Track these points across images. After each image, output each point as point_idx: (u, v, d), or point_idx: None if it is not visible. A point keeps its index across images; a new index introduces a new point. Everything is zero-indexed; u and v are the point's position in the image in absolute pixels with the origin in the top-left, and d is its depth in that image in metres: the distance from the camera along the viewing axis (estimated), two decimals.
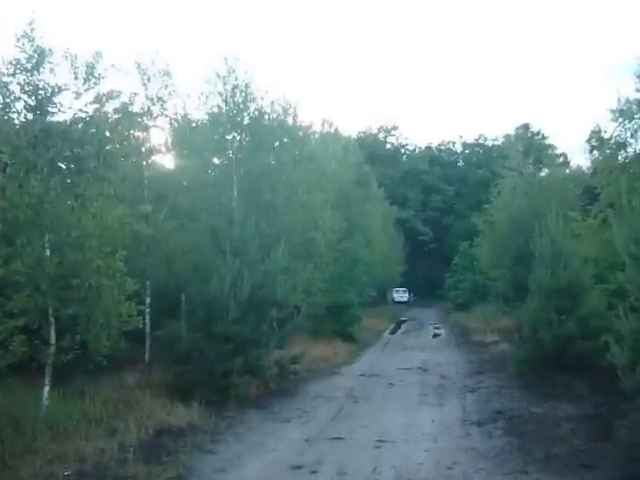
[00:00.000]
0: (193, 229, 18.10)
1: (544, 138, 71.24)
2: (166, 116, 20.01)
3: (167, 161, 22.53)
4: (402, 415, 13.99)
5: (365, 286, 36.45)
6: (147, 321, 17.79)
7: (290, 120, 26.09)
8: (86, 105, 13.19)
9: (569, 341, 18.10)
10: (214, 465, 10.11)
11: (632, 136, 24.42)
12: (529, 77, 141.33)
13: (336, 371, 21.47)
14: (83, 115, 13.28)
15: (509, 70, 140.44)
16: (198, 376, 14.96)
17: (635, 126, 24.25)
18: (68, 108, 13.04)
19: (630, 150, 24.93)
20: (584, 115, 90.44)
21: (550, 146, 67.27)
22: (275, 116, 24.65)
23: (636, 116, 24.21)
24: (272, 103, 24.48)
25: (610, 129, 25.21)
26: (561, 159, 63.89)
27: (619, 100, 24.39)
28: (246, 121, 22.97)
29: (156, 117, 19.50)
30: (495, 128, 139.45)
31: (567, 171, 50.95)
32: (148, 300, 17.84)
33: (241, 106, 22.26)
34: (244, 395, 15.33)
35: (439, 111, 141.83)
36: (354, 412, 14.51)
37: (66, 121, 13.14)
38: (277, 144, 24.29)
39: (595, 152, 32.44)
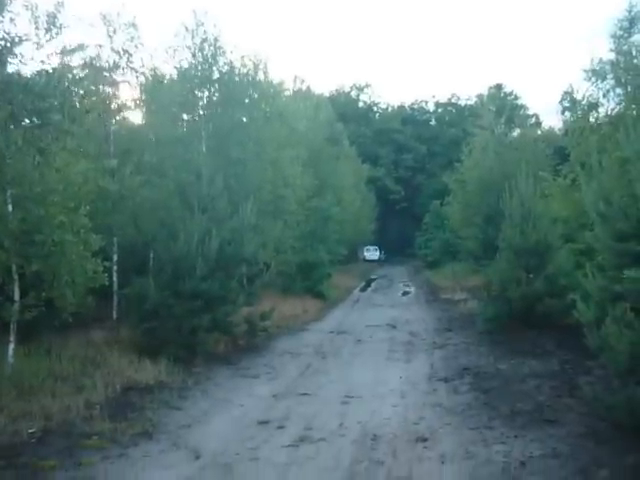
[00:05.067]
0: (160, 185, 17.80)
1: (517, 98, 71.61)
2: (133, 69, 19.49)
3: (135, 116, 22.13)
4: (370, 371, 14.05)
5: (336, 244, 36.46)
6: (114, 278, 17.63)
7: (261, 76, 25.72)
8: (48, 57, 12.75)
9: (537, 299, 18.30)
10: (180, 421, 10.05)
11: (604, 96, 24.49)
12: (504, 38, 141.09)
13: (305, 328, 21.50)
14: (46, 67, 12.86)
15: (484, 30, 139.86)
16: (166, 333, 14.86)
17: (607, 86, 24.30)
18: (30, 59, 12.58)
19: (602, 110, 25.04)
20: (558, 77, 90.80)
21: (522, 106, 67.67)
22: (245, 71, 24.26)
23: (609, 76, 24.25)
24: (242, 58, 24.10)
25: (583, 91, 25.28)
26: (533, 120, 64.32)
27: (592, 60, 24.47)
28: (215, 76, 22.58)
29: (123, 70, 18.99)
30: (468, 88, 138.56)
31: (539, 132, 51.20)
32: (115, 257, 17.63)
33: (210, 60, 21.89)
34: (212, 352, 15.32)
35: (412, 70, 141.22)
36: (322, 368, 14.54)
37: (28, 73, 12.73)
38: (247, 100, 23.91)
39: (567, 113, 32.58)
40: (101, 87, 18.57)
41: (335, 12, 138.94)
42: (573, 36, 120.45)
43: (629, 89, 23.76)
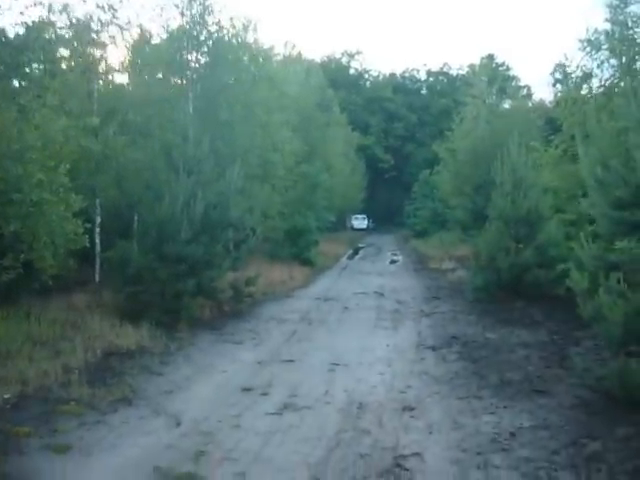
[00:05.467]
0: (145, 146, 17.33)
1: (508, 69, 70.93)
2: (118, 27, 18.86)
3: (121, 77, 21.58)
4: (356, 339, 13.81)
5: (324, 211, 36.13)
6: (97, 241, 17.25)
7: (250, 38, 25.19)
8: (27, 7, 12.24)
9: (526, 269, 18.14)
10: (161, 387, 9.77)
11: (598, 67, 24.18)
12: (497, 8, 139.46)
13: (292, 294, 21.23)
14: (25, 19, 12.36)
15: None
16: (149, 297, 14.56)
17: (602, 57, 23.99)
18: (7, 9, 12.07)
19: (595, 81, 24.74)
20: (549, 50, 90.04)
21: (514, 77, 67.04)
22: (234, 32, 23.71)
23: (604, 47, 23.94)
24: (231, 19, 23.52)
25: (575, 63, 24.98)
26: (525, 91, 63.79)
27: (588, 30, 24.12)
28: (204, 36, 21.99)
29: (108, 27, 18.35)
30: (460, 58, 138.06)
31: (530, 103, 50.80)
32: (98, 219, 17.22)
33: (198, 19, 21.22)
34: (196, 317, 15.02)
35: (403, 38, 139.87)
36: (308, 335, 14.28)
37: (5, 26, 12.23)
38: (236, 62, 23.35)
39: (558, 85, 32.31)
40: (88, 49, 17.93)
41: None
42: (566, 8, 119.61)
43: (624, 60, 23.48)
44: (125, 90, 19.27)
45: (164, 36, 21.31)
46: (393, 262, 36.70)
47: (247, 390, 9.62)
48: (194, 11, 21.69)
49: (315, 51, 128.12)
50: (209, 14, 21.67)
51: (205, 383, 10.15)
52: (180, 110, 18.88)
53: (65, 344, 11.55)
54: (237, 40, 23.91)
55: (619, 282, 8.48)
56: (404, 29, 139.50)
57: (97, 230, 17.16)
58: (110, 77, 19.83)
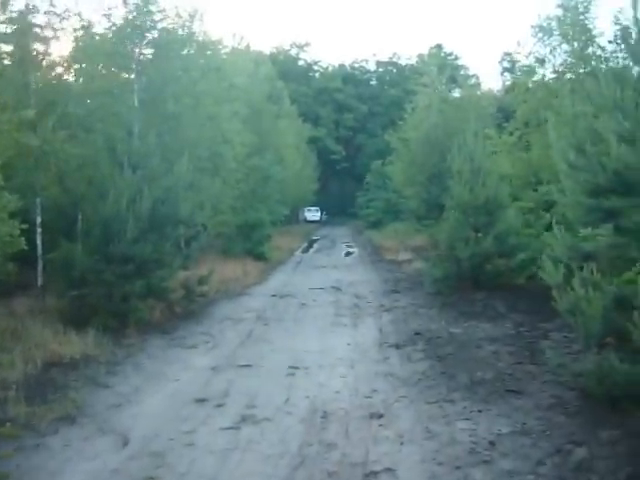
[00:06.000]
0: (88, 141, 16.34)
1: (457, 59, 71.29)
2: (56, 15, 17.73)
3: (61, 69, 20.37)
4: (316, 338, 13.18)
5: (277, 204, 35.37)
6: (39, 242, 16.20)
7: (197, 27, 24.21)
8: None
9: (486, 259, 17.82)
10: (108, 401, 8.99)
11: (551, 52, 24.05)
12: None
13: (246, 292, 20.49)
14: None
15: None
16: (95, 301, 13.72)
17: (554, 43, 23.89)
18: None
19: (548, 67, 24.60)
20: (496, 40, 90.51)
21: (463, 67, 67.23)
22: (181, 22, 22.73)
23: (555, 32, 23.84)
24: (176, 7, 22.52)
25: (527, 50, 24.87)
26: (474, 80, 63.98)
27: (539, 16, 24.01)
28: (148, 25, 20.97)
29: (44, 15, 17.21)
30: (409, 48, 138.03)
31: (479, 92, 50.87)
32: (39, 219, 16.16)
33: (141, 4, 20.21)
34: (146, 320, 14.15)
35: (352, 30, 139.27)
36: (265, 336, 13.58)
37: None
38: (183, 52, 22.40)
39: (507, 74, 32.27)
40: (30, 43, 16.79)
41: None
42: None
43: (575, 45, 23.37)
44: (65, 82, 18.06)
45: (106, 26, 20.15)
46: (348, 254, 36.20)
47: (201, 401, 8.89)
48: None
49: (263, 43, 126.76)
50: (153, 2, 20.64)
51: (155, 394, 9.38)
52: (124, 103, 17.91)
53: (2, 355, 10.61)
54: (183, 30, 22.95)
55: (592, 273, 8.03)
56: (352, 20, 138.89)
57: (38, 231, 16.09)
58: (52, 71, 18.67)
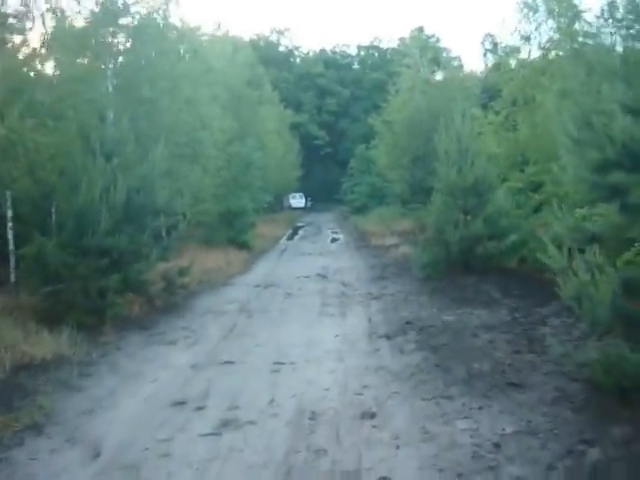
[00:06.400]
0: (59, 129, 15.55)
1: (438, 41, 70.51)
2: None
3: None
4: (302, 330, 12.53)
5: (260, 192, 34.64)
6: (10, 237, 15.48)
7: (172, 10, 23.36)
8: None
9: (476, 242, 17.25)
10: (80, 406, 8.31)
11: (536, 29, 23.51)
12: None
13: (229, 282, 19.82)
14: None
15: None
16: (70, 297, 13.03)
17: (540, 19, 23.36)
18: None
19: (534, 43, 24.04)
20: (477, 23, 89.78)
21: (445, 49, 66.58)
22: (155, 4, 21.88)
23: (541, 8, 23.32)
24: None
25: (511, 28, 24.35)
26: (456, 62, 63.41)
27: None
28: (121, 5, 20.15)
29: None
30: (390, 32, 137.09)
31: (461, 74, 50.34)
32: (10, 213, 15.43)
33: None
34: (124, 315, 13.46)
35: (332, 14, 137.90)
36: (248, 329, 12.93)
37: None
38: (159, 36, 21.56)
39: (489, 55, 31.87)
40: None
41: None
42: None
43: (562, 21, 22.78)
44: (33, 68, 17.17)
45: (76, 10, 19.27)
46: (334, 240, 35.61)
47: (179, 404, 8.23)
48: None
49: (243, 30, 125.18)
50: None
51: (131, 397, 8.71)
52: (96, 89, 17.12)
53: None
54: (158, 13, 22.11)
55: (595, 255, 7.46)
56: (332, 5, 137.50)
57: (9, 225, 15.40)
58: (26, 63, 17.79)
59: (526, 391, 7.91)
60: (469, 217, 17.62)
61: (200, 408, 8.06)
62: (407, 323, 12.35)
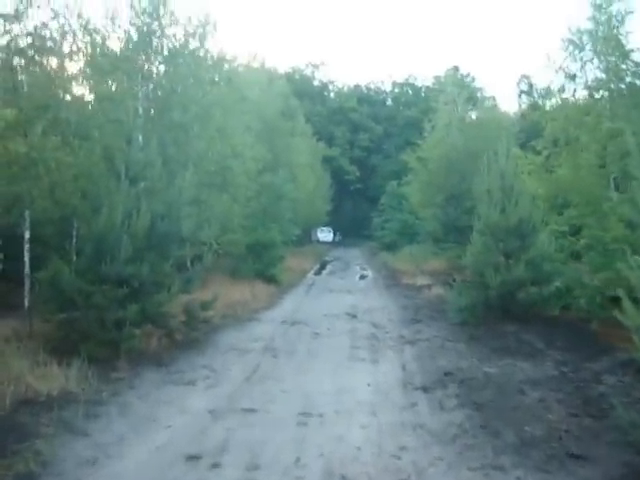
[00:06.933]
0: (82, 149, 14.89)
1: (474, 80, 70.08)
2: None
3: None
4: (331, 375, 11.57)
5: (289, 224, 33.89)
6: (26, 259, 14.76)
7: (208, 35, 22.83)
8: None
9: (518, 287, 16.19)
10: (83, 454, 7.43)
11: (582, 68, 22.65)
12: (462, 20, 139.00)
13: (255, 317, 18.93)
14: None
15: (441, 11, 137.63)
16: (85, 326, 12.23)
17: (585, 57, 22.52)
18: None
19: (579, 82, 23.14)
20: (511, 64, 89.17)
21: (480, 89, 66.09)
22: (192, 30, 21.34)
23: (587, 47, 22.50)
24: (189, 18, 21.08)
25: (556, 66, 23.48)
26: (491, 102, 62.86)
27: (570, 29, 22.65)
28: (157, 29, 19.63)
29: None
30: (424, 70, 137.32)
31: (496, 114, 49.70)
32: (27, 234, 14.74)
33: (148, 8, 18.92)
34: (140, 350, 12.61)
35: (367, 50, 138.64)
36: (273, 371, 11.99)
37: None
38: (193, 60, 20.99)
39: (523, 96, 31.04)
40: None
41: None
42: (526, 21, 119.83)
43: (611, 59, 21.91)
44: (59, 85, 16.49)
45: (109, 27, 18.77)
46: (363, 277, 34.66)
47: (194, 459, 7.29)
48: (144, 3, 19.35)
49: (279, 63, 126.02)
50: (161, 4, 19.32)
51: (141, 446, 7.79)
52: (126, 109, 16.46)
53: None
54: (194, 38, 21.58)
55: None
56: (368, 41, 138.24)
57: (26, 247, 14.70)
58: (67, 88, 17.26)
59: (589, 465, 6.89)
60: (511, 260, 16.61)
61: (216, 465, 7.12)
62: (446, 374, 11.32)
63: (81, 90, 17.45)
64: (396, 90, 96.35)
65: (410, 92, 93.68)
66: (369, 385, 10.84)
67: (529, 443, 7.63)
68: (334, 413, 9.18)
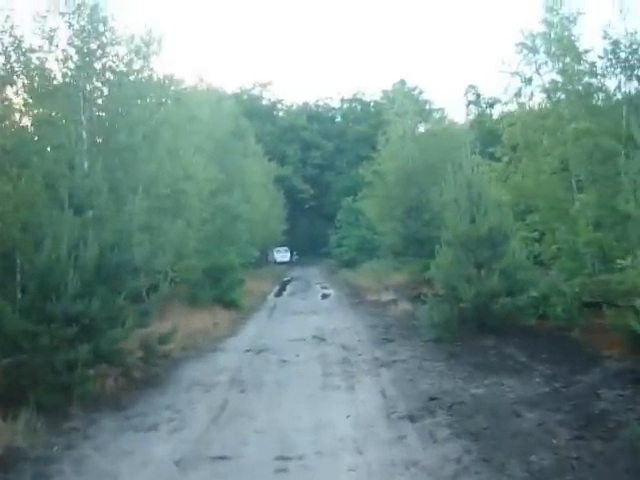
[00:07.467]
0: (21, 177, 13.75)
1: (421, 93, 70.20)
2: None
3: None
4: (305, 409, 10.60)
5: (247, 246, 32.89)
6: None
7: (153, 52, 21.81)
8: None
9: (492, 298, 15.50)
10: None
11: (537, 71, 22.32)
12: (406, 35, 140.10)
13: (218, 346, 17.88)
14: None
15: (385, 26, 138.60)
16: (33, 371, 11.14)
17: (539, 61, 22.22)
18: None
19: (536, 85, 22.80)
20: (457, 76, 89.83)
21: (428, 101, 66.22)
22: (135, 47, 20.31)
23: (541, 49, 22.21)
24: (132, 37, 20.04)
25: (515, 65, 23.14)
26: (439, 113, 63.01)
27: (522, 33, 22.36)
28: (95, 48, 18.55)
29: None
30: (372, 85, 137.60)
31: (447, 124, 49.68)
32: None
33: (88, 27, 17.85)
34: (95, 393, 11.51)
35: (314, 68, 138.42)
36: (243, 408, 10.95)
37: None
38: (138, 79, 19.95)
39: (472, 106, 30.81)
40: None
41: (231, 12, 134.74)
42: (471, 33, 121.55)
43: (566, 60, 21.61)
44: None
45: (45, 47, 17.64)
46: (325, 296, 33.77)
47: None
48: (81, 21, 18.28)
49: (225, 84, 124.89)
50: (102, 22, 18.27)
51: None
52: (68, 134, 15.38)
53: None
54: (138, 56, 20.54)
55: None
56: (314, 59, 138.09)
57: None
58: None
59: None
60: (483, 271, 15.95)
61: None
62: (431, 399, 10.42)
63: (17, 115, 16.41)
64: (345, 106, 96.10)
65: (359, 107, 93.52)
66: (349, 417, 9.90)
67: (540, 477, 6.78)
68: (315, 454, 8.21)
